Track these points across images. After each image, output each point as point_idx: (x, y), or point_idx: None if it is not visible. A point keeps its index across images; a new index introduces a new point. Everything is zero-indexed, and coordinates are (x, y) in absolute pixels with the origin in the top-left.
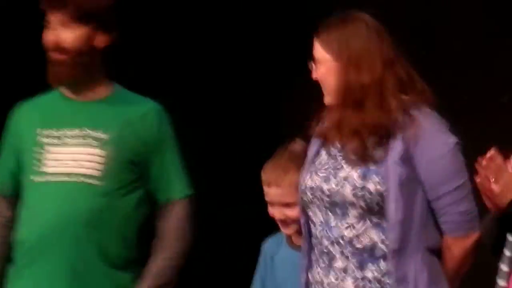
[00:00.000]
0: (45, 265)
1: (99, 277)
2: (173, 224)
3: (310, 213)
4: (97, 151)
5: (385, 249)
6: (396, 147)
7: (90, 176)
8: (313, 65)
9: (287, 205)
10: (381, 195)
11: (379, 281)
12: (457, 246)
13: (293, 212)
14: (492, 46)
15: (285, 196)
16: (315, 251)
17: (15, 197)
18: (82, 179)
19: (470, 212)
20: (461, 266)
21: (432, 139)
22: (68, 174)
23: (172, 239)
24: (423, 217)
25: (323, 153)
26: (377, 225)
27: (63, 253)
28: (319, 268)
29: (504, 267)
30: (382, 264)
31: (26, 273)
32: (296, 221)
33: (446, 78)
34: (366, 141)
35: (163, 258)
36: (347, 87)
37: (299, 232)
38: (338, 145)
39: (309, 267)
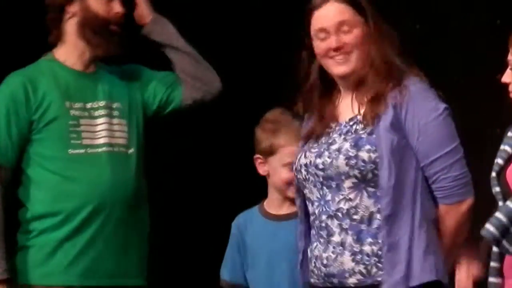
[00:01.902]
0: (102, 230)
1: (135, 243)
2: None
3: (306, 191)
4: (120, 120)
5: (380, 219)
6: (387, 114)
7: (123, 145)
8: (335, 32)
9: None
10: (374, 162)
11: (376, 255)
12: (452, 214)
13: None
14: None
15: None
16: (314, 228)
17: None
18: (119, 148)
19: (463, 177)
20: (457, 235)
21: (421, 105)
22: (105, 145)
23: None
24: (416, 184)
25: (315, 134)
26: (372, 194)
27: (118, 221)
28: (318, 244)
29: (493, 264)
30: (379, 238)
31: (84, 238)
32: None
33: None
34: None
35: None
36: (382, 53)
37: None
38: (340, 122)
39: (306, 246)
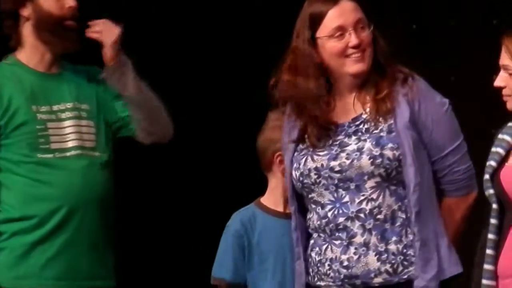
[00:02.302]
0: (75, 233)
1: (106, 244)
2: None
3: (314, 195)
4: (89, 122)
5: (403, 216)
6: (403, 111)
7: (92, 148)
8: (354, 30)
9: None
10: (398, 160)
11: (402, 253)
12: (461, 206)
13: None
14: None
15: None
16: (325, 231)
17: None
18: (87, 151)
19: (471, 169)
20: (461, 226)
21: (431, 100)
22: (74, 148)
23: None
24: (431, 180)
25: (306, 142)
26: (394, 193)
27: (90, 223)
28: (333, 246)
29: (491, 236)
30: (403, 237)
31: (58, 241)
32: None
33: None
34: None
35: None
36: (385, 56)
37: None
38: (341, 123)
39: (306, 251)
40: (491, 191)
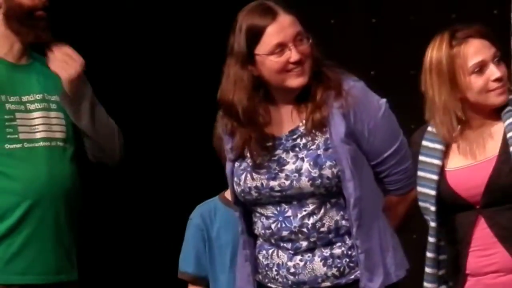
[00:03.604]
0: (39, 227)
1: (66, 239)
2: None
3: (257, 208)
4: (58, 113)
5: (347, 224)
6: (337, 124)
7: (61, 140)
8: (293, 45)
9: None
10: (337, 176)
11: (347, 255)
12: (403, 203)
13: None
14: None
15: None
16: (269, 240)
17: None
18: (56, 143)
19: (411, 168)
20: (402, 221)
21: (367, 108)
22: (42, 139)
23: None
24: (372, 183)
25: (245, 157)
26: (335, 205)
27: (54, 217)
28: (280, 251)
29: (430, 254)
30: (347, 239)
31: (22, 235)
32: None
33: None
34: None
35: None
36: (320, 64)
37: None
38: (279, 136)
39: (254, 253)
40: (432, 208)
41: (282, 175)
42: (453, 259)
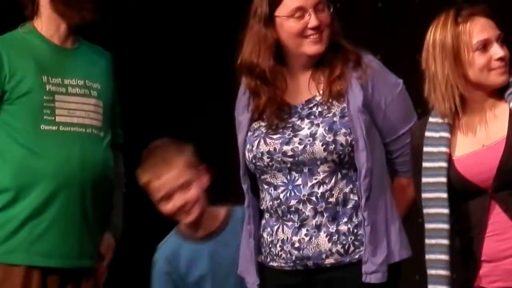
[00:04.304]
0: (66, 210)
1: (91, 225)
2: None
3: (267, 177)
4: (97, 101)
5: (355, 198)
6: (356, 94)
7: (96, 127)
8: (314, 11)
9: (184, 185)
10: (351, 145)
11: (353, 233)
12: (411, 187)
13: (192, 192)
14: None
15: (180, 177)
16: (277, 212)
17: None
18: (92, 130)
19: None
20: (410, 206)
21: (384, 82)
22: (79, 125)
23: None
24: (383, 161)
25: (261, 121)
26: (345, 176)
27: (82, 202)
28: (285, 227)
29: (444, 241)
30: (354, 217)
31: (47, 217)
32: (197, 201)
33: None
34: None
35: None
36: (339, 35)
37: (198, 217)
38: (294, 105)
39: (258, 230)
40: (444, 195)
41: (296, 139)
42: (463, 247)
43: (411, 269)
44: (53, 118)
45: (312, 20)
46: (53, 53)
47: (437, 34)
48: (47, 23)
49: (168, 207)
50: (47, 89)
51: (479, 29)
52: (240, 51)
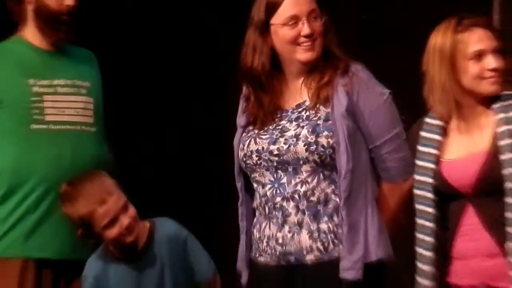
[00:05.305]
0: (58, 207)
1: None
2: None
3: (256, 175)
4: (86, 98)
5: (337, 200)
6: (341, 100)
7: (87, 124)
8: (307, 20)
9: (125, 206)
10: (332, 147)
11: (333, 232)
12: (397, 192)
13: (131, 210)
14: None
15: (120, 198)
16: (264, 209)
17: None
18: (82, 127)
19: (408, 157)
20: (397, 212)
21: (371, 91)
22: (69, 123)
23: None
24: (367, 166)
25: (255, 124)
26: (328, 178)
27: None
28: (271, 224)
29: (429, 238)
30: (335, 217)
31: (40, 214)
32: (136, 218)
33: None
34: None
35: None
36: (331, 44)
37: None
38: (286, 109)
39: (250, 227)
40: (430, 195)
41: (282, 139)
42: (441, 245)
43: None
44: (43, 117)
45: (305, 28)
46: (41, 57)
47: (438, 40)
48: (32, 33)
49: (115, 230)
50: (34, 91)
51: (476, 39)
52: (239, 58)
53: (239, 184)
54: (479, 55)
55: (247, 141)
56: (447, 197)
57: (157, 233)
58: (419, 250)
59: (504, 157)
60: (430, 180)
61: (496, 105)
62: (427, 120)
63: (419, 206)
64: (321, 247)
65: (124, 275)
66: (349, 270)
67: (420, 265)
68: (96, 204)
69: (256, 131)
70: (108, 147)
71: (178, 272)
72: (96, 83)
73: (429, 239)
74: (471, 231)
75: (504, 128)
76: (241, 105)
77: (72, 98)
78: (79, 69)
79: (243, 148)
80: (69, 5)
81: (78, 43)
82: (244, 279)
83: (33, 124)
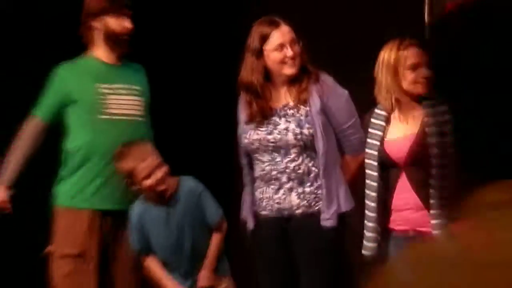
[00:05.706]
0: (110, 171)
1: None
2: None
3: (257, 155)
4: (139, 98)
5: (316, 171)
6: (315, 102)
7: (139, 115)
8: (290, 46)
9: (160, 163)
10: (312, 136)
11: (314, 193)
12: (355, 161)
13: (164, 168)
14: None
15: (156, 158)
16: (264, 179)
17: (49, 124)
18: (135, 118)
19: (362, 137)
20: (355, 176)
21: (335, 93)
22: (126, 115)
23: None
24: (335, 147)
25: (254, 120)
26: (309, 156)
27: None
28: (269, 189)
29: (373, 193)
30: (315, 182)
31: (102, 176)
32: (168, 173)
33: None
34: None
35: None
36: (306, 62)
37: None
38: (275, 108)
39: (252, 189)
40: (375, 163)
41: (276, 131)
42: (383, 200)
43: None
44: (107, 110)
45: (289, 52)
46: (106, 69)
47: (385, 55)
48: (101, 51)
49: (150, 181)
50: (101, 92)
51: (411, 55)
52: (239, 74)
53: (244, 161)
54: (414, 67)
55: (249, 132)
56: (388, 166)
57: (181, 186)
58: (367, 201)
59: (430, 140)
60: (375, 153)
61: (425, 103)
62: (376, 110)
63: (367, 171)
64: (306, 204)
65: (157, 214)
66: (328, 220)
67: (367, 212)
68: (139, 161)
69: (254, 125)
70: (152, 132)
71: (194, 215)
72: (145, 87)
73: (373, 194)
74: (404, 190)
75: (430, 118)
76: (241, 105)
77: (128, 98)
78: (133, 77)
79: (247, 138)
80: (128, 28)
81: None
82: (250, 224)
83: (99, 115)
